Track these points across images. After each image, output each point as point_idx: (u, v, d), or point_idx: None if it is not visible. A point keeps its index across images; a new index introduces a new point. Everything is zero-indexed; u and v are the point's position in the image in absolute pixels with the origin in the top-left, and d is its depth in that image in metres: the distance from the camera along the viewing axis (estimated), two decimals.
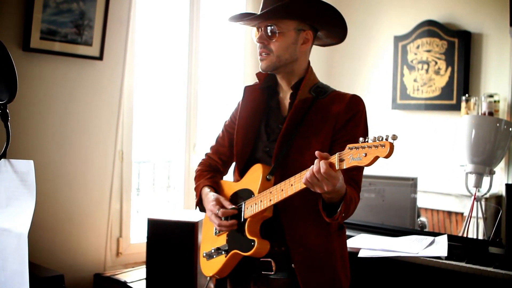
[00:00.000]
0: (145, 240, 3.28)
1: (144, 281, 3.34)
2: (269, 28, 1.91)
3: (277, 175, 1.90)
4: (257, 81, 2.09)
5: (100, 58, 3.55)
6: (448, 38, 4.64)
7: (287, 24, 1.91)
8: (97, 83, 3.60)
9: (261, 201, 1.86)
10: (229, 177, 2.25)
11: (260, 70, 2.01)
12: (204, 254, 2.12)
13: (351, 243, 2.66)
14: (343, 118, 1.90)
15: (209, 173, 2.19)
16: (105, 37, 3.53)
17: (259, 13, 1.92)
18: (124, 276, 3.57)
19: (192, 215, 3.35)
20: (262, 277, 1.96)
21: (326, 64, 5.33)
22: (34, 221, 1.32)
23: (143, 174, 4.50)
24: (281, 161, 1.91)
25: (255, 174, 1.94)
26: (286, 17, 1.90)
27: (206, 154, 2.27)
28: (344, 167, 1.56)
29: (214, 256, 2.06)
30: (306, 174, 1.65)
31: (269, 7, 1.88)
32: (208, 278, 2.13)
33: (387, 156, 1.46)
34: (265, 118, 2.06)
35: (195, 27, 4.35)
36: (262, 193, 1.87)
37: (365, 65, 5.28)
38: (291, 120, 1.92)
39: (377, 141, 1.48)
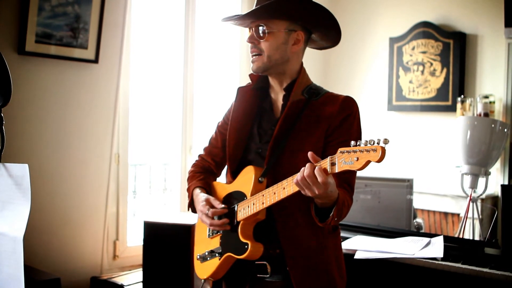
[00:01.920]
0: (142, 242, 3.28)
1: (141, 284, 3.34)
2: (259, 28, 1.91)
3: (269, 177, 1.90)
4: (250, 82, 2.10)
5: (96, 61, 3.55)
6: (443, 39, 4.65)
7: (278, 24, 1.91)
8: (93, 86, 3.60)
9: (253, 203, 1.86)
10: (222, 178, 2.24)
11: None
12: (198, 257, 2.12)
13: (347, 245, 2.66)
14: (337, 119, 1.90)
15: (201, 174, 2.19)
16: (101, 40, 3.53)
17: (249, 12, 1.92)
18: (121, 279, 3.56)
19: (188, 217, 3.35)
20: (258, 279, 1.95)
21: (322, 66, 5.34)
22: (31, 225, 1.32)
23: (140, 176, 4.50)
24: (274, 163, 1.90)
25: (247, 176, 1.94)
26: (276, 17, 1.90)
27: (199, 156, 2.27)
28: (336, 171, 1.56)
29: (208, 259, 2.06)
30: (297, 176, 1.65)
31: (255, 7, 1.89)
32: (203, 280, 2.13)
33: (379, 161, 1.45)
34: (258, 119, 2.06)
35: (190, 30, 4.36)
36: (255, 195, 1.86)
37: (360, 67, 5.29)
38: (284, 122, 1.92)
39: (369, 145, 1.47)
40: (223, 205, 1.97)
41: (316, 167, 1.60)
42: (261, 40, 1.92)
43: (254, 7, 1.93)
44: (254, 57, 1.94)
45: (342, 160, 1.53)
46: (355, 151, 1.50)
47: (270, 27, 1.90)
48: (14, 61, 3.20)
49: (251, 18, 1.93)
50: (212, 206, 1.98)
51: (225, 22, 2.05)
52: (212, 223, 1.96)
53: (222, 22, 2.05)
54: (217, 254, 2.01)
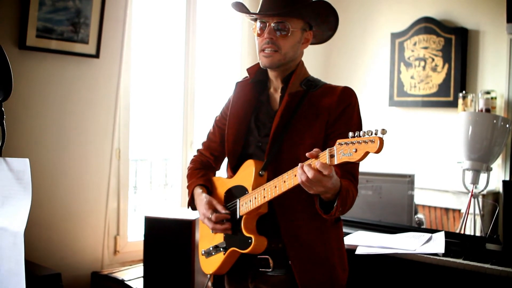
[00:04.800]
0: (143, 238, 3.27)
1: (142, 279, 3.34)
2: (281, 24, 1.90)
3: (270, 170, 1.90)
4: (248, 76, 2.09)
5: (97, 56, 3.54)
6: (445, 35, 4.64)
7: (296, 23, 1.92)
8: (94, 81, 3.59)
9: (255, 197, 1.86)
10: (222, 172, 2.24)
11: (261, 66, 1.99)
12: (203, 252, 2.12)
13: (348, 240, 2.66)
14: (336, 111, 1.90)
15: (201, 171, 2.18)
16: (102, 35, 3.52)
17: (260, 7, 1.94)
18: (122, 274, 3.56)
19: (189, 212, 3.34)
20: (260, 274, 1.96)
21: (323, 61, 5.33)
22: (31, 220, 1.32)
23: (140, 172, 4.49)
24: (274, 156, 1.90)
25: (248, 170, 1.94)
26: (295, 16, 1.91)
27: (198, 151, 2.27)
28: (335, 163, 1.55)
29: (213, 254, 2.06)
30: (299, 178, 1.64)
31: (275, 2, 1.89)
32: (208, 276, 2.14)
33: (378, 152, 1.45)
34: (256, 112, 2.06)
35: (191, 24, 4.34)
36: (256, 189, 1.87)
37: (362, 62, 5.28)
38: (283, 115, 1.92)
39: (367, 136, 1.47)
40: (226, 211, 1.97)
41: (316, 165, 1.59)
42: (282, 38, 1.91)
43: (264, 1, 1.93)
44: (269, 52, 1.92)
45: (341, 152, 1.53)
46: (353, 143, 1.50)
47: (291, 26, 1.91)
48: (15, 55, 3.20)
49: (276, 15, 1.90)
50: (214, 210, 1.98)
51: (235, 14, 2.05)
52: (215, 228, 1.97)
53: (229, 16, 2.05)
54: (221, 249, 2.02)
